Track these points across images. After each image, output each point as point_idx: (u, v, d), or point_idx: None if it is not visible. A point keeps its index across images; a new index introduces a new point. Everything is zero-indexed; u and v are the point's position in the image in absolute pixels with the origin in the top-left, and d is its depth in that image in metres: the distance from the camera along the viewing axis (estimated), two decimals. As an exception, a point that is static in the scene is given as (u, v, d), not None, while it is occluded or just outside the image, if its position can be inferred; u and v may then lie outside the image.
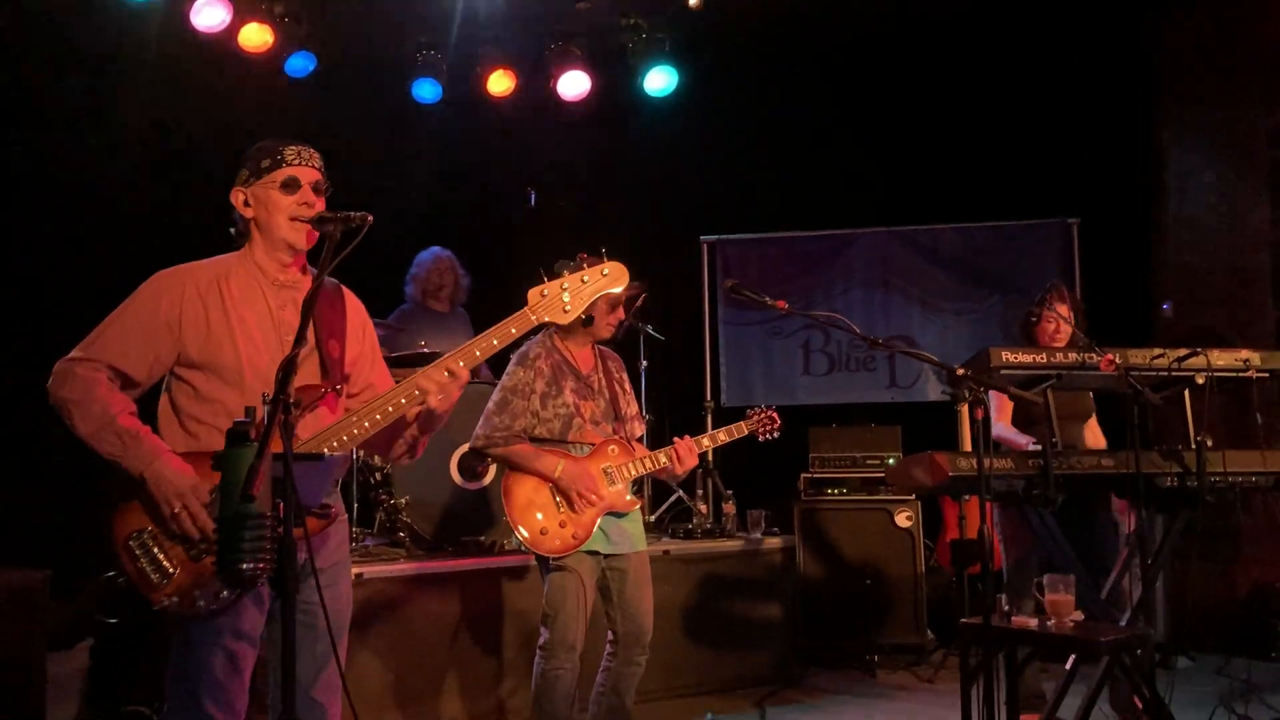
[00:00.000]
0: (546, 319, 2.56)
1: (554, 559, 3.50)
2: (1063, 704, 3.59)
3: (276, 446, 1.95)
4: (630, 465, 3.63)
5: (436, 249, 6.09)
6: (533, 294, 2.56)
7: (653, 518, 5.86)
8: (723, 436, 3.89)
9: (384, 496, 5.10)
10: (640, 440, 3.91)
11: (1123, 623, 3.65)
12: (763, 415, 3.93)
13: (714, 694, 5.05)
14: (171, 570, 2.30)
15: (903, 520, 5.70)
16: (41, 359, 2.47)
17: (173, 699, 2.41)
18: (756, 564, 5.40)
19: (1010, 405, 4.37)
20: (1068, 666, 3.66)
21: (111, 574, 2.31)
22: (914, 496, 5.68)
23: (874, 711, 4.88)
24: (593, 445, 3.63)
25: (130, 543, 2.31)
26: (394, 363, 4.07)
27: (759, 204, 7.10)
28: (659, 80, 6.56)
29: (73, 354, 2.42)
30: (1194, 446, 3.53)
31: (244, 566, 1.90)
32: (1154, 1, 6.51)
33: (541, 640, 3.54)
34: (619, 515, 3.62)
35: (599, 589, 3.61)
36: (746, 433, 3.90)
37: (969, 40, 6.49)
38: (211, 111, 5.67)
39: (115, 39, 5.58)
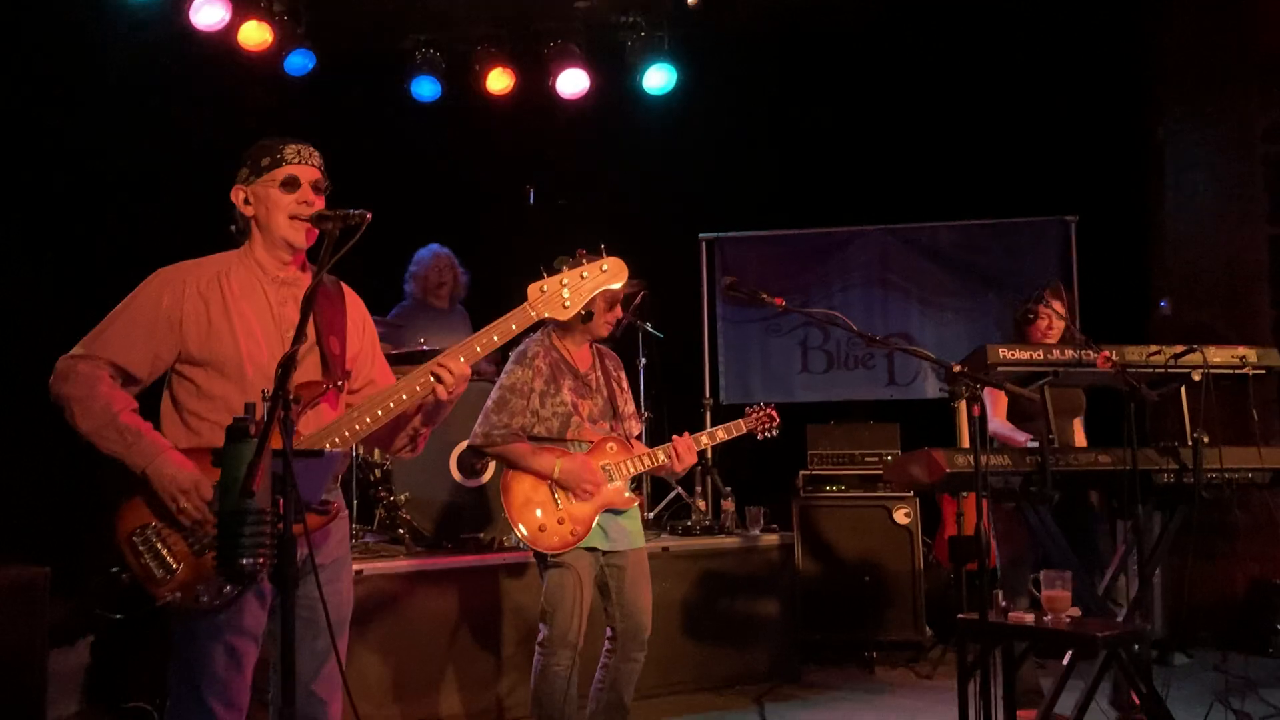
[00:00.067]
0: (546, 315, 2.58)
1: (552, 556, 3.52)
2: (1060, 700, 3.61)
3: (277, 443, 1.96)
4: (628, 462, 3.64)
5: (435, 246, 6.10)
6: (532, 289, 2.57)
7: (651, 515, 5.87)
8: (721, 434, 3.90)
9: (383, 493, 5.11)
10: (639, 438, 3.92)
11: (1119, 619, 3.66)
12: (761, 413, 3.94)
13: (713, 690, 5.07)
14: (175, 566, 2.32)
15: (901, 517, 5.72)
16: (43, 356, 2.49)
17: (175, 694, 2.42)
18: (755, 561, 5.41)
19: (1004, 401, 4.39)
20: (1065, 662, 3.68)
21: (115, 570, 2.32)
22: (912, 493, 5.69)
23: (872, 707, 4.90)
24: (591, 443, 3.64)
25: (133, 539, 2.32)
26: (394, 360, 4.08)
27: (758, 202, 7.11)
28: (657, 78, 6.57)
29: (74, 351, 2.43)
30: (1190, 443, 3.54)
31: (244, 561, 1.92)
32: (1151, -1, 6.54)
33: (540, 637, 3.55)
34: (617, 512, 3.63)
35: (597, 586, 3.62)
36: (745, 431, 3.92)
37: (966, 38, 6.50)
38: (211, 110, 5.68)
39: (115, 37, 5.58)
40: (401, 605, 4.41)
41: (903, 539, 5.71)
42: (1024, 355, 3.57)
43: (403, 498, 4.99)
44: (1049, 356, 3.60)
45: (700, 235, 7.13)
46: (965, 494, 3.56)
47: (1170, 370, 3.61)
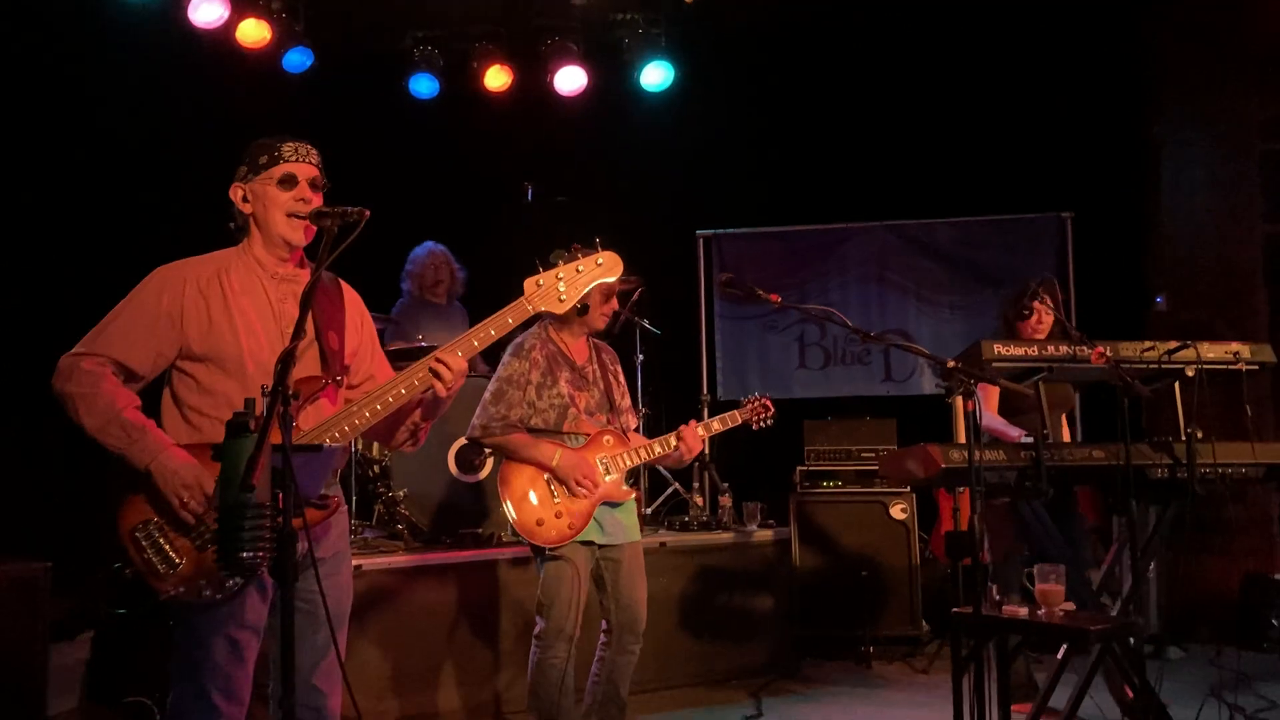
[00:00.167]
0: (543, 308, 2.60)
1: (549, 549, 3.54)
2: (1054, 694, 3.63)
3: (276, 438, 1.99)
4: (625, 455, 3.67)
5: (430, 244, 6.12)
6: (529, 284, 2.60)
7: (649, 510, 5.89)
8: (717, 425, 3.92)
9: (382, 489, 5.14)
10: (636, 431, 3.95)
11: (1113, 613, 3.69)
12: (756, 403, 3.96)
13: (710, 685, 5.09)
14: (178, 560, 2.34)
15: (898, 512, 5.74)
16: (44, 353, 2.51)
17: (177, 688, 2.44)
18: (752, 556, 5.44)
19: (996, 396, 4.40)
20: (1059, 657, 3.71)
21: (117, 566, 2.34)
22: (909, 489, 5.71)
23: (869, 702, 4.92)
24: (588, 436, 3.66)
25: (136, 534, 2.34)
26: (392, 356, 4.10)
27: (755, 198, 7.13)
28: (655, 75, 6.59)
29: (77, 349, 2.45)
30: (1184, 439, 3.56)
31: (244, 555, 1.94)
32: (1148, -5, 6.55)
33: (537, 630, 3.57)
34: (614, 506, 3.65)
35: (593, 579, 3.64)
36: (740, 421, 3.94)
37: (963, 34, 6.51)
38: (209, 107, 5.69)
39: (114, 35, 5.59)
40: (400, 600, 4.43)
41: (899, 534, 5.74)
42: (1019, 351, 3.59)
43: (401, 493, 5.02)
44: (1044, 352, 3.61)
45: (698, 232, 7.15)
46: (961, 489, 3.57)
47: (1164, 366, 3.63)
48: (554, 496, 3.56)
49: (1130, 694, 3.63)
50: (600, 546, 3.62)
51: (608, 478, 3.62)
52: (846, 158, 6.90)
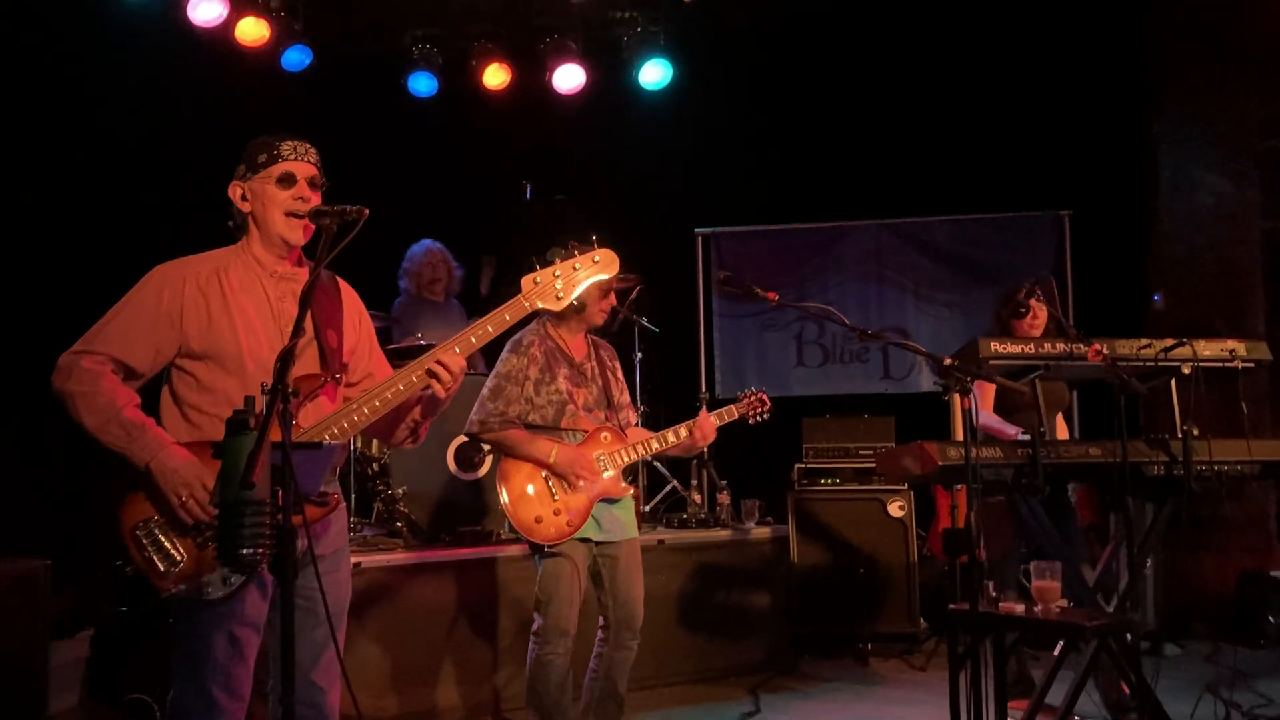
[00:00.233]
0: (540, 305, 2.62)
1: (548, 546, 3.55)
2: (1051, 690, 3.64)
3: (276, 435, 2.00)
4: (622, 452, 3.68)
5: (427, 242, 6.13)
6: (526, 281, 2.61)
7: (648, 508, 5.90)
8: (714, 420, 3.93)
9: (381, 487, 5.15)
10: (637, 425, 3.96)
11: (1110, 609, 3.70)
12: (752, 397, 3.98)
13: (708, 682, 5.10)
14: (178, 559, 2.35)
15: (895, 510, 5.76)
16: (44, 352, 2.51)
17: (178, 685, 2.45)
18: (750, 553, 5.45)
19: (991, 394, 4.42)
20: (1056, 653, 3.72)
21: (118, 564, 2.35)
22: (906, 486, 5.72)
23: (867, 699, 4.93)
24: (585, 432, 3.67)
25: (137, 532, 2.35)
26: (391, 355, 4.11)
27: (753, 196, 7.14)
28: (653, 74, 6.59)
29: (76, 347, 2.45)
30: (1180, 436, 3.57)
31: (244, 551, 1.95)
32: (1147, -7, 6.56)
33: (535, 626, 3.59)
34: (611, 502, 3.67)
35: (591, 575, 3.66)
36: (737, 416, 3.95)
37: (961, 32, 6.52)
38: (209, 106, 5.70)
39: (113, 34, 5.60)
40: (399, 597, 4.44)
41: (897, 532, 5.75)
42: (1015, 349, 3.60)
43: (400, 491, 5.02)
44: (1040, 350, 3.62)
45: (696, 230, 7.16)
46: (958, 486, 3.59)
47: (1160, 364, 3.64)
48: (552, 494, 3.57)
49: (1126, 690, 3.64)
50: (598, 543, 3.64)
51: (605, 474, 3.63)
52: (845, 156, 6.91)
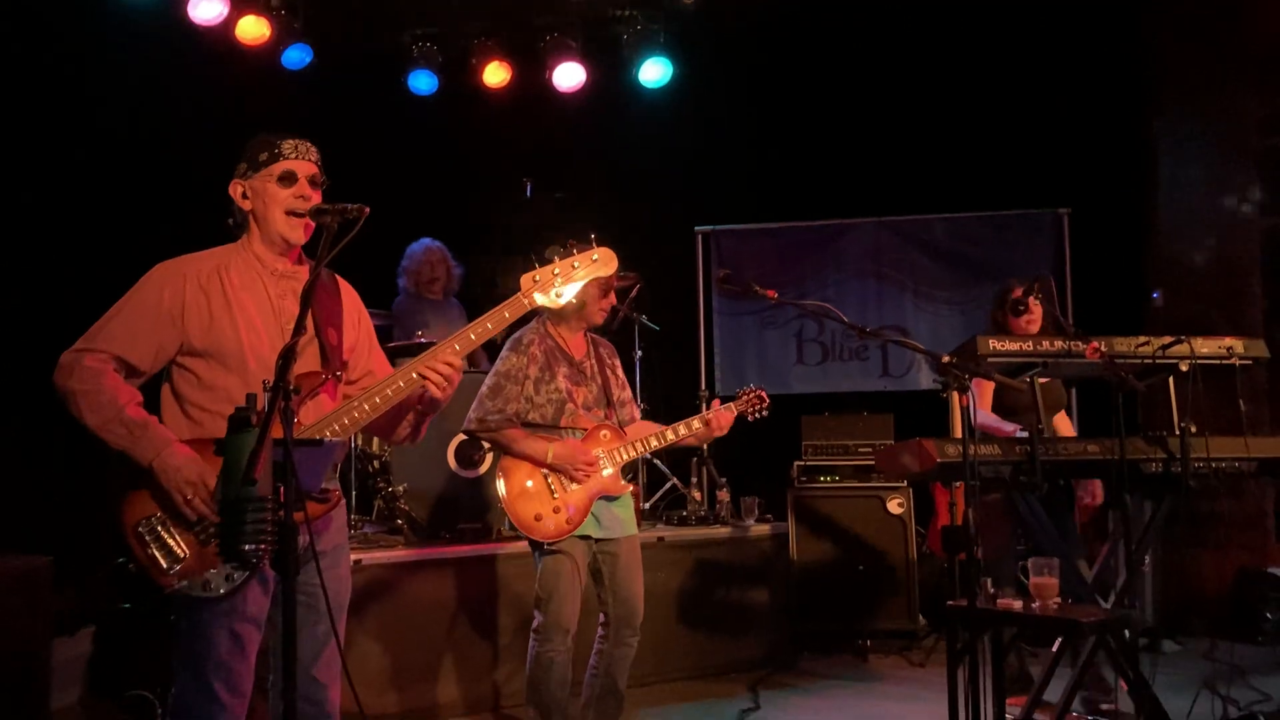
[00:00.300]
0: (539, 303, 2.62)
1: (548, 544, 3.56)
2: (1049, 686, 3.66)
3: (278, 432, 2.01)
4: (622, 450, 3.69)
5: (426, 240, 6.13)
6: (525, 279, 2.63)
7: (647, 505, 5.91)
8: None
9: (382, 484, 5.16)
10: (641, 420, 3.97)
11: (1108, 606, 3.71)
12: (751, 394, 3.98)
13: (708, 678, 5.12)
14: (181, 555, 2.36)
15: (895, 507, 5.77)
16: (45, 351, 2.52)
17: (180, 681, 2.46)
18: (750, 550, 5.46)
19: (990, 393, 4.42)
20: (1054, 650, 3.73)
21: (121, 561, 2.36)
22: (905, 483, 5.73)
23: (866, 695, 4.94)
24: (585, 431, 3.68)
25: (139, 529, 2.36)
26: (391, 353, 4.13)
27: (753, 194, 7.15)
28: (653, 71, 6.60)
29: (78, 345, 2.46)
30: (1178, 433, 3.59)
31: (246, 548, 1.96)
32: (1146, -9, 6.56)
33: (535, 623, 3.60)
34: (610, 500, 3.68)
35: (590, 572, 3.67)
36: (736, 414, 3.95)
37: (961, 30, 6.53)
38: (209, 105, 5.71)
39: (113, 34, 5.61)
40: (400, 594, 4.45)
41: (896, 529, 5.76)
42: (1014, 346, 3.60)
43: (401, 488, 5.04)
44: (1038, 347, 3.62)
45: (696, 228, 7.17)
46: (957, 484, 3.60)
47: (1158, 361, 3.64)
48: (552, 491, 3.58)
49: (1125, 687, 3.65)
50: (598, 540, 3.65)
51: (605, 472, 3.64)
52: (844, 154, 6.91)
